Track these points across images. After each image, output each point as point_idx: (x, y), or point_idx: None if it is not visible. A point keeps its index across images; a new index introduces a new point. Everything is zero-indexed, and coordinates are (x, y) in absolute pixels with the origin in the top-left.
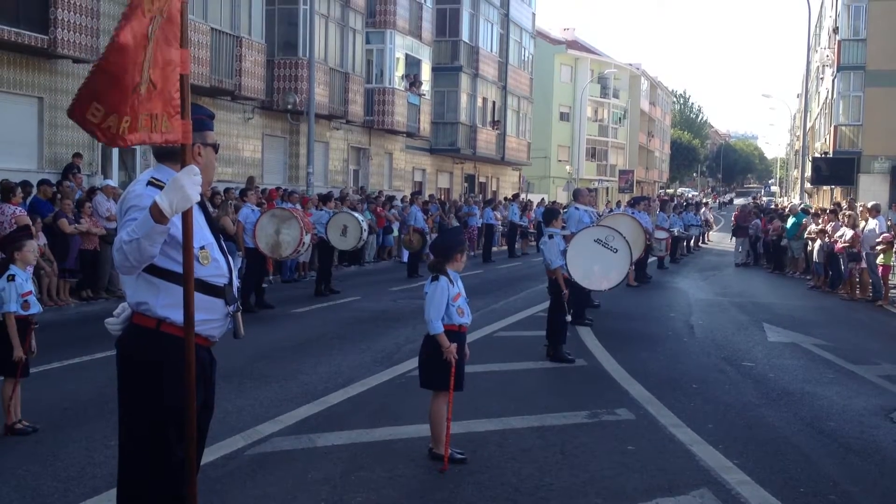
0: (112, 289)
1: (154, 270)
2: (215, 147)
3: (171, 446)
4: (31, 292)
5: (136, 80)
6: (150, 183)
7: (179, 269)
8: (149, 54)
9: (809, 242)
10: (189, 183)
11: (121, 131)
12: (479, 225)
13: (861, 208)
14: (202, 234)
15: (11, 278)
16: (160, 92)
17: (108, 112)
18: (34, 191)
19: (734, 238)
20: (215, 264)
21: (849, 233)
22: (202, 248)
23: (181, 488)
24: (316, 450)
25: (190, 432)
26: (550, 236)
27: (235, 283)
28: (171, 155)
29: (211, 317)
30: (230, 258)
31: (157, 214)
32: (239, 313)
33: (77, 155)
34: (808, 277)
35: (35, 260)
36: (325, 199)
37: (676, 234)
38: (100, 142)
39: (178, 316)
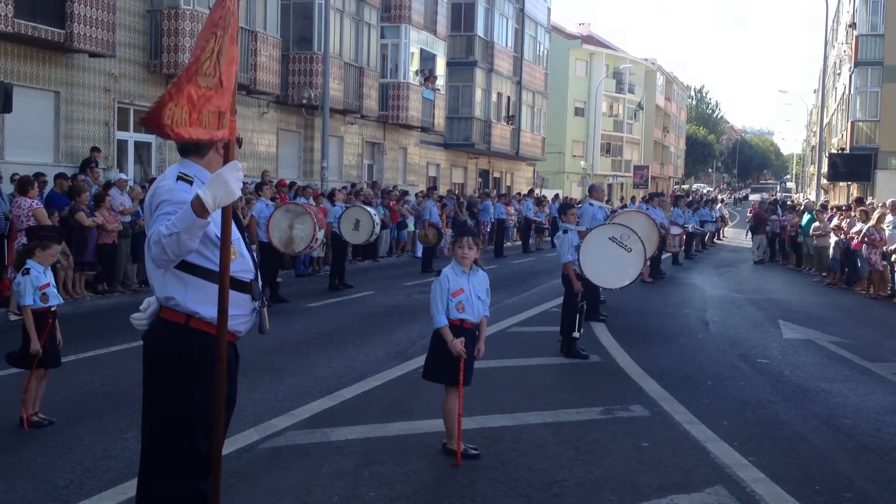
0: (127, 283)
1: (183, 265)
2: (239, 142)
3: (196, 441)
4: (48, 284)
5: (194, 70)
6: (179, 178)
7: (208, 265)
8: (218, 49)
9: (815, 239)
10: (233, 178)
11: (180, 122)
12: (492, 220)
13: (878, 205)
14: None
15: (26, 272)
16: (227, 90)
17: (174, 105)
18: (50, 184)
19: (752, 235)
20: (242, 259)
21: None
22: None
23: (203, 483)
24: (330, 444)
25: (218, 428)
26: (565, 231)
27: (260, 278)
28: (196, 150)
29: (238, 312)
30: (254, 254)
31: (199, 209)
32: (265, 308)
33: (95, 149)
34: (823, 274)
35: (52, 262)
36: (330, 196)
37: (691, 230)
38: (166, 139)
39: (206, 311)
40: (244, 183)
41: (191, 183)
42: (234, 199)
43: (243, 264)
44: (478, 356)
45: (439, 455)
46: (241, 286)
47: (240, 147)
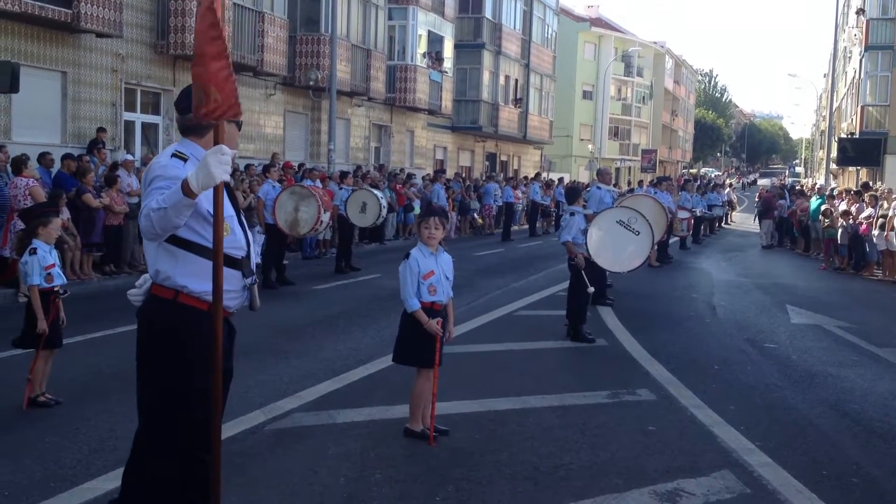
0: (134, 263)
1: (174, 240)
2: (238, 123)
3: (190, 417)
4: (54, 265)
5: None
6: (174, 155)
7: (200, 240)
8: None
9: (823, 220)
10: (214, 162)
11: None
12: (500, 203)
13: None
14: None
15: (33, 251)
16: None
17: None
18: (57, 164)
19: (760, 220)
20: (234, 237)
21: None
22: None
23: (199, 453)
24: (336, 426)
25: (216, 406)
26: (572, 213)
27: (254, 256)
28: (196, 129)
29: (229, 287)
30: (249, 232)
31: (187, 189)
32: (255, 286)
33: (101, 130)
34: (831, 259)
35: (57, 236)
36: (342, 175)
37: (699, 214)
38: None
39: (195, 285)
40: (251, 165)
41: (185, 160)
42: (215, 183)
43: (234, 241)
44: (448, 340)
45: (445, 437)
46: (231, 262)
47: (239, 129)
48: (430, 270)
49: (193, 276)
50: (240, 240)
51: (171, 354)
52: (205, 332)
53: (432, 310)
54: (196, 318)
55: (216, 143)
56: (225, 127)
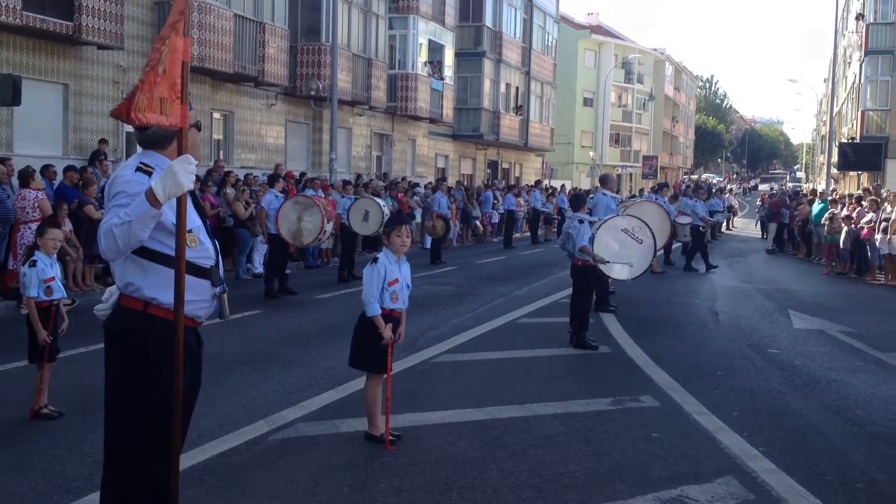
0: None
1: (142, 252)
2: (197, 127)
3: (155, 428)
4: (53, 278)
5: (156, 58)
6: (138, 169)
7: (167, 251)
8: (167, 41)
9: (828, 224)
10: (181, 171)
11: (141, 107)
12: (501, 211)
13: (886, 194)
14: (190, 217)
15: (33, 264)
16: (168, 77)
17: (141, 93)
18: (59, 176)
19: (767, 224)
20: (202, 247)
21: None
22: (190, 231)
23: (163, 472)
24: (339, 435)
25: (175, 413)
26: (581, 221)
27: (221, 265)
28: (158, 142)
29: (197, 297)
30: (216, 241)
31: (152, 199)
32: (225, 294)
33: (103, 141)
34: (833, 264)
35: (55, 249)
36: (344, 184)
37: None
38: (129, 124)
39: (164, 297)
40: (253, 175)
41: (150, 174)
42: (183, 191)
43: (203, 251)
44: (399, 341)
45: (449, 446)
46: (200, 272)
47: (199, 131)
48: (395, 278)
49: (162, 288)
50: (208, 249)
51: (138, 367)
52: (174, 341)
53: (391, 317)
54: (165, 329)
55: (181, 152)
56: (188, 135)
